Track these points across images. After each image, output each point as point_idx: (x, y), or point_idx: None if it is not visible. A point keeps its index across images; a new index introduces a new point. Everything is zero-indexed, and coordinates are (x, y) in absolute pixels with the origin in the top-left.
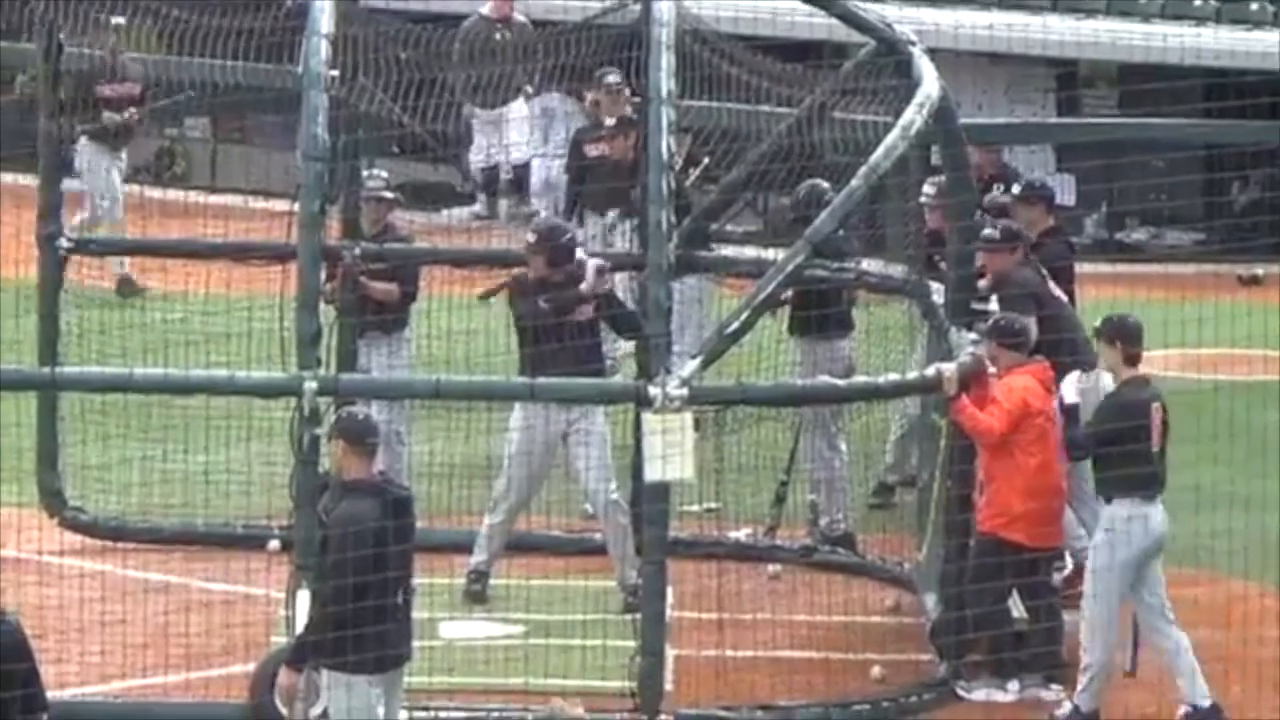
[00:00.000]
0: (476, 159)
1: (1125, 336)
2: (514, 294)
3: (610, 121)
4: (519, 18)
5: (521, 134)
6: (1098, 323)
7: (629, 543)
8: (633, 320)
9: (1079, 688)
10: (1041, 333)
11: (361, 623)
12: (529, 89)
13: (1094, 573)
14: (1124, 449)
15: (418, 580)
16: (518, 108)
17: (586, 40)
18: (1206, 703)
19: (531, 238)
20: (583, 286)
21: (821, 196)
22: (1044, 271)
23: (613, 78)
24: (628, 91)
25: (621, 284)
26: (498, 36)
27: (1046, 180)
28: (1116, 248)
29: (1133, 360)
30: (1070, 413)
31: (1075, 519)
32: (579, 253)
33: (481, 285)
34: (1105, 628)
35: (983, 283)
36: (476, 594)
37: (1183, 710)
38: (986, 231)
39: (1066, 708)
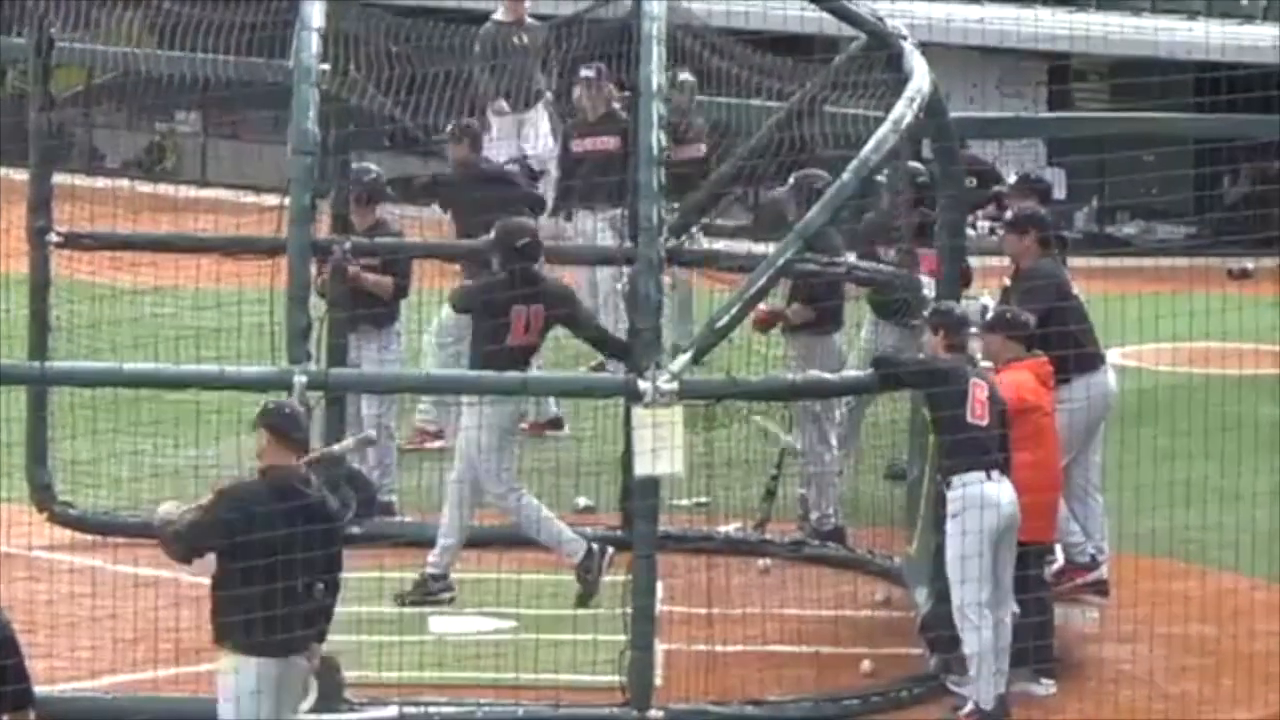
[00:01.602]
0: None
1: (948, 326)
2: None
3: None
4: (531, 20)
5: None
6: (927, 311)
7: (544, 525)
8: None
9: (970, 683)
10: (1060, 324)
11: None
12: (549, 94)
13: (949, 561)
14: (944, 415)
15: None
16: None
17: (578, 35)
18: (990, 706)
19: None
20: None
21: (814, 184)
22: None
23: (588, 71)
24: (610, 86)
25: (610, 279)
26: (515, 40)
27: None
28: (1107, 242)
29: (952, 348)
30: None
31: (1068, 514)
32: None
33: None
34: (977, 614)
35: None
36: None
37: (969, 707)
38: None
39: (969, 707)
